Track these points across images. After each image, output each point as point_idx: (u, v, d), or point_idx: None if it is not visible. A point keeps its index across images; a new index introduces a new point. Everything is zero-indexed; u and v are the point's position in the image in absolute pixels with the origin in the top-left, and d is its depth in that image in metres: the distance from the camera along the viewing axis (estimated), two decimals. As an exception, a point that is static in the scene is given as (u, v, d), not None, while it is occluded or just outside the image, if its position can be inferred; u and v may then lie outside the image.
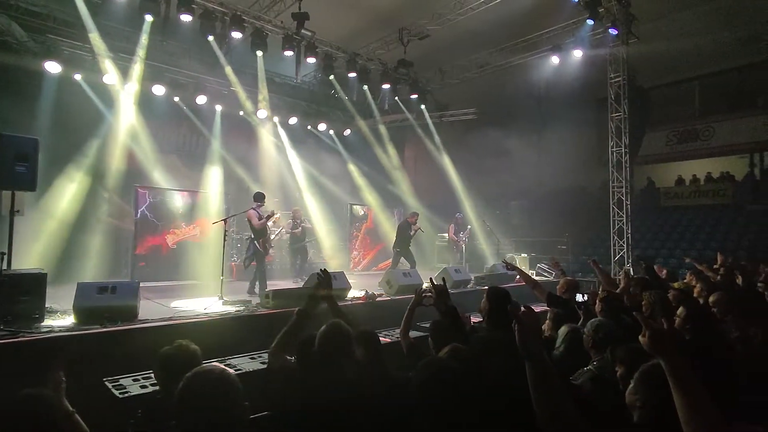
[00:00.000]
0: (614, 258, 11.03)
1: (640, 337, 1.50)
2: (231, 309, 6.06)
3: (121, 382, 3.93)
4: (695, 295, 4.51)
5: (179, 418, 1.55)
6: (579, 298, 4.80)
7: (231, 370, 1.77)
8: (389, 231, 13.17)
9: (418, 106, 13.82)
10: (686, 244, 13.40)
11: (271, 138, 12.79)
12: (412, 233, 10.20)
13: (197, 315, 5.62)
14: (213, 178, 11.43)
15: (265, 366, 4.44)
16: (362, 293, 7.08)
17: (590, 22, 9.96)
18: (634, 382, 1.83)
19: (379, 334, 3.10)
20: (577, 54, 11.02)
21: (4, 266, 4.93)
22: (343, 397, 2.27)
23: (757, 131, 15.17)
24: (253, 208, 7.83)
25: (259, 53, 10.24)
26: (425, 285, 6.49)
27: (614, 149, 11.27)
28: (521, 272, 5.37)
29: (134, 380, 3.97)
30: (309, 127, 13.64)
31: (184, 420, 1.53)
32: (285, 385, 2.51)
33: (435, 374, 1.89)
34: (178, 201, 10.39)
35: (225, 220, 7.29)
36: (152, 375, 3.83)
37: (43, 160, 5.52)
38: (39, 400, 1.73)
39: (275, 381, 2.57)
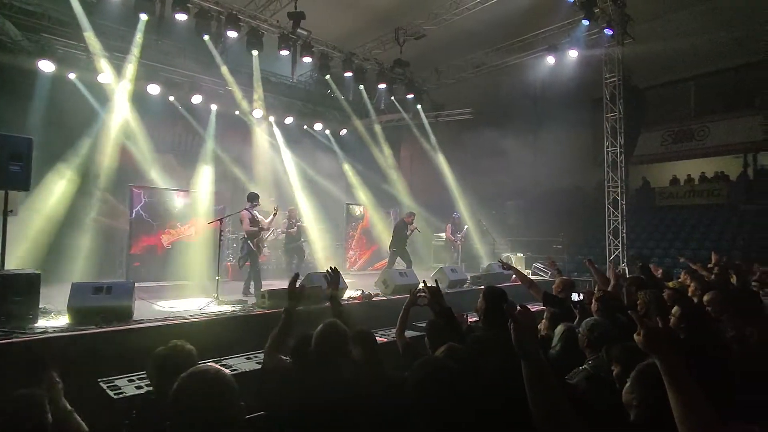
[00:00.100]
0: (609, 257, 11.06)
1: (635, 336, 1.50)
2: (227, 309, 6.04)
3: (116, 382, 3.90)
4: (689, 294, 4.53)
5: (174, 418, 1.54)
6: (575, 297, 4.81)
7: (226, 371, 1.76)
8: (384, 231, 13.18)
9: (414, 106, 13.82)
10: (681, 243, 13.47)
11: (267, 137, 12.76)
12: (408, 233, 10.20)
13: (193, 315, 5.59)
14: (204, 178, 11.37)
15: (261, 366, 4.42)
16: (358, 293, 7.08)
17: (585, 22, 10.01)
18: (631, 380, 1.84)
19: (376, 334, 3.10)
20: (573, 54, 11.07)
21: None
22: (339, 397, 2.26)
23: (751, 131, 15.26)
24: (246, 209, 7.80)
25: (255, 52, 10.22)
26: (420, 285, 6.48)
27: (609, 149, 11.32)
28: (517, 272, 5.40)
29: (129, 381, 3.94)
30: (305, 126, 13.62)
31: (178, 421, 1.53)
32: (281, 384, 2.51)
33: (431, 374, 1.89)
34: (173, 201, 10.33)
35: (220, 220, 7.27)
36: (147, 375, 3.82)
37: (34, 158, 5.47)
38: (32, 400, 1.72)
39: (271, 381, 2.57)
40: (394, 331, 3.66)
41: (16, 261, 7.06)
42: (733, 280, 5.76)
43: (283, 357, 2.79)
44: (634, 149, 16.10)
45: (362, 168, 14.61)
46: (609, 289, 4.80)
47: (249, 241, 7.76)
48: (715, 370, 2.18)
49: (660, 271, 6.42)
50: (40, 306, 4.89)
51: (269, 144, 12.82)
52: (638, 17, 10.88)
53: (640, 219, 15.17)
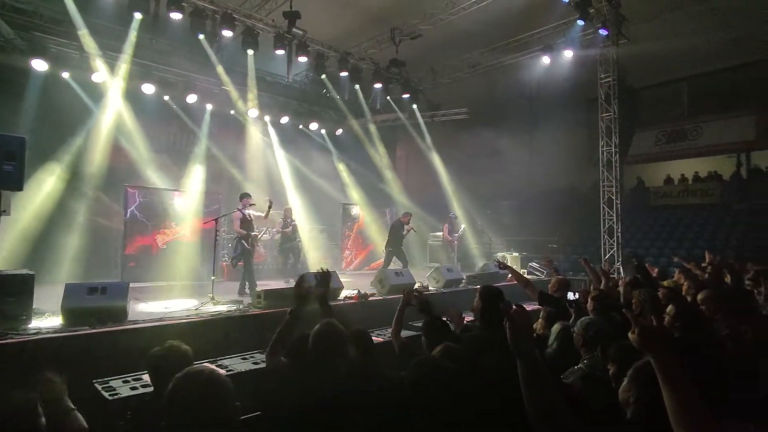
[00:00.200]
0: (604, 257, 11.10)
1: (629, 334, 1.51)
2: (222, 309, 6.03)
3: (111, 383, 3.87)
4: (683, 292, 4.55)
5: (169, 419, 1.54)
6: (570, 296, 4.83)
7: (221, 371, 1.76)
8: (379, 231, 13.17)
9: (409, 106, 13.83)
10: (675, 243, 13.53)
11: (262, 137, 12.72)
12: (404, 233, 10.21)
13: (188, 315, 5.57)
14: (195, 177, 11.28)
15: (257, 366, 4.42)
16: (354, 293, 7.07)
17: (581, 22, 10.03)
18: (628, 378, 1.85)
19: (372, 334, 3.09)
20: (568, 54, 11.10)
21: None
22: (336, 396, 2.26)
23: (744, 131, 15.34)
24: (239, 209, 7.77)
25: (250, 52, 10.17)
26: (416, 285, 6.47)
27: (604, 149, 11.36)
28: (513, 271, 5.41)
29: (124, 382, 3.91)
30: (300, 126, 13.59)
31: (173, 421, 1.52)
32: (279, 384, 2.50)
33: (428, 373, 1.89)
34: (168, 200, 10.30)
35: (216, 220, 7.24)
36: (142, 376, 3.80)
37: (26, 157, 5.42)
38: (24, 405, 1.71)
39: (270, 381, 2.56)
40: (390, 330, 3.65)
41: (8, 261, 6.99)
42: (727, 279, 5.79)
43: (282, 358, 2.78)
44: (628, 149, 16.16)
45: (358, 168, 14.58)
46: (602, 287, 4.82)
47: (243, 241, 7.74)
48: (710, 368, 2.19)
49: (656, 270, 6.47)
50: (33, 306, 4.85)
51: (264, 143, 12.78)
52: (634, 17, 10.92)
53: (635, 218, 15.23)
